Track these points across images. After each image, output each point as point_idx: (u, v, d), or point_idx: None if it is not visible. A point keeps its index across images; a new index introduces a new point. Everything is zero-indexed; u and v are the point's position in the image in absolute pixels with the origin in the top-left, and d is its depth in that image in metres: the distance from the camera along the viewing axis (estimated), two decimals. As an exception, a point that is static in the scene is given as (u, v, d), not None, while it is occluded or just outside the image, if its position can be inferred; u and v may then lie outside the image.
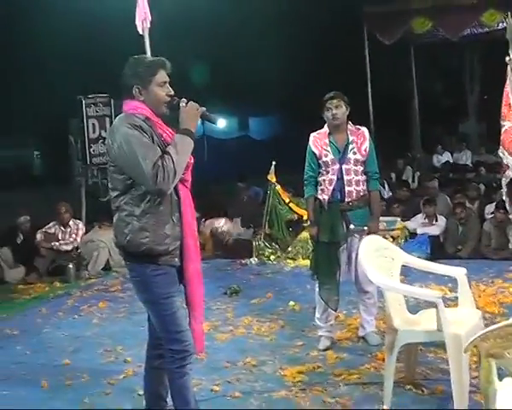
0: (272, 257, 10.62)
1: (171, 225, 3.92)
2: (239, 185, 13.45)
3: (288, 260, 10.47)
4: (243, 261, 10.58)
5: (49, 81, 17.88)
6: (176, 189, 3.90)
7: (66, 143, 11.43)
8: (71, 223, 10.73)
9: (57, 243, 10.57)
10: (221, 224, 11.39)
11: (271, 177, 10.82)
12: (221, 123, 31.60)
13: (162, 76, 3.96)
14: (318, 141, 6.06)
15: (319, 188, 6.08)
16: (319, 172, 6.08)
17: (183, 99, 3.97)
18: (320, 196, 6.05)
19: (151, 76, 3.92)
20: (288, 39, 19.51)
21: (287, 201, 10.80)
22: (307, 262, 8.48)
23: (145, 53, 7.56)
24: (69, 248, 10.59)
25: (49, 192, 15.38)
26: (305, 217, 9.66)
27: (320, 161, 6.05)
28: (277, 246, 10.72)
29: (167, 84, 3.99)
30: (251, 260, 10.62)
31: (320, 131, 6.12)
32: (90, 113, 10.88)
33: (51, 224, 10.75)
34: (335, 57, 19.81)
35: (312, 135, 6.13)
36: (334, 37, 18.67)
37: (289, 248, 10.63)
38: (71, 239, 10.62)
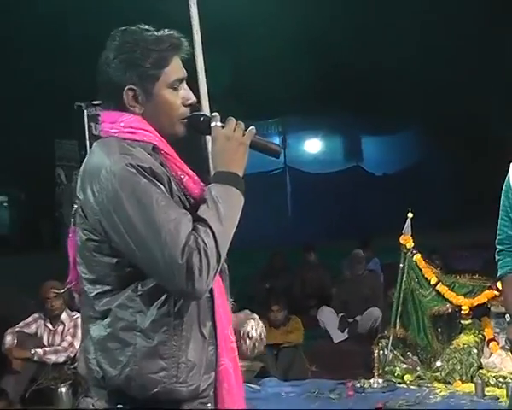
0: (408, 377, 8.34)
1: (199, 344, 2.56)
2: (356, 254, 10.84)
3: (437, 384, 8.18)
4: (357, 384, 8.17)
5: (26, 77, 14.76)
6: None
7: (52, 181, 9.55)
8: (64, 316, 8.41)
9: (40, 351, 8.24)
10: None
11: (406, 239, 8.51)
12: (315, 146, 23.63)
13: (176, 69, 2.55)
14: None
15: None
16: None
17: (216, 114, 2.55)
18: None
19: (158, 68, 2.50)
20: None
21: (433, 281, 8.46)
22: (471, 388, 7.46)
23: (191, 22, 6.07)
24: (61, 359, 8.25)
25: (24, 263, 12.93)
26: (464, 309, 7.98)
27: None
28: (417, 358, 8.61)
29: (185, 85, 2.59)
30: (371, 381, 8.21)
31: None
32: (96, 131, 8.29)
33: (30, 318, 8.53)
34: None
35: None
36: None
37: (438, 363, 8.30)
38: (64, 344, 8.30)
